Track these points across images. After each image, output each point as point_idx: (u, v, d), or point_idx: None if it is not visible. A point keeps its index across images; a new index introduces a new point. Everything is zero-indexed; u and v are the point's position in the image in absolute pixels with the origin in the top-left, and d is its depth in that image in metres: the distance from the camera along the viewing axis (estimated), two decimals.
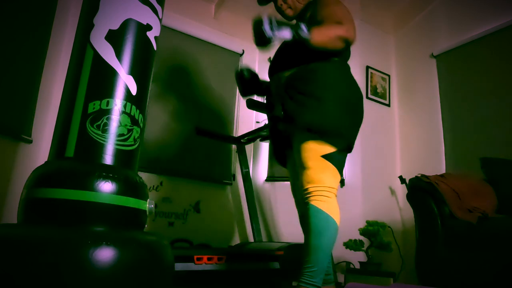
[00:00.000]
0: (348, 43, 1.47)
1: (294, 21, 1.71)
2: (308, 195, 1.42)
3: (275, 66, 1.67)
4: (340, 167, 1.46)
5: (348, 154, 3.21)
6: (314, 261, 1.35)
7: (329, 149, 1.42)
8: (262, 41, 1.40)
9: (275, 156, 1.77)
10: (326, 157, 1.41)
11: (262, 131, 2.74)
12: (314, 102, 1.43)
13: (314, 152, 1.42)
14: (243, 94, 1.84)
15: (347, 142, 1.48)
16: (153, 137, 2.95)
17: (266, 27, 1.37)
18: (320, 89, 1.46)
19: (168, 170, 2.98)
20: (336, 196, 1.45)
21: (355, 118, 1.53)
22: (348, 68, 1.61)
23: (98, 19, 1.31)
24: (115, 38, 1.31)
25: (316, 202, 1.39)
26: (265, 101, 1.82)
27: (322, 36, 1.42)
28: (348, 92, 1.52)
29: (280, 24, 1.40)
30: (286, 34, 1.39)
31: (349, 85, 1.54)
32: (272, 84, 1.68)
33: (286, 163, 1.75)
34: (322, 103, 1.43)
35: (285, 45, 1.67)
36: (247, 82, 1.78)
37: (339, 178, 1.46)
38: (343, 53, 1.56)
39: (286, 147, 1.67)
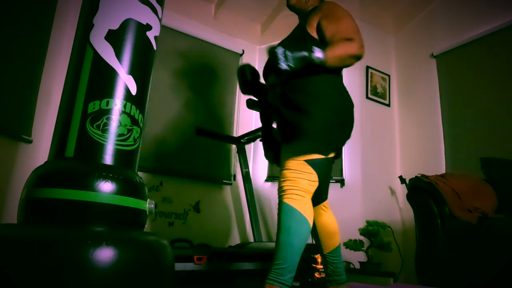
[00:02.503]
0: (359, 59, 1.49)
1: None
2: (282, 193, 1.42)
3: (268, 70, 1.68)
4: (321, 173, 1.45)
5: (348, 154, 3.21)
6: (284, 258, 1.33)
7: (315, 155, 1.43)
8: (279, 73, 1.45)
9: (266, 154, 1.78)
10: (310, 162, 1.42)
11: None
12: (303, 118, 1.45)
13: (299, 156, 1.44)
14: (244, 92, 1.86)
15: (334, 152, 1.50)
16: (153, 137, 2.95)
17: (281, 60, 1.40)
18: (310, 101, 1.47)
19: (168, 170, 2.98)
20: (310, 199, 1.44)
21: (344, 127, 1.54)
22: (339, 78, 1.62)
23: (98, 19, 1.31)
24: (115, 38, 1.31)
25: (289, 200, 1.39)
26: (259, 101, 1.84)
27: (337, 58, 1.44)
28: (337, 102, 1.52)
29: (299, 56, 1.42)
30: (304, 63, 1.42)
31: (338, 95, 1.55)
32: (269, 93, 1.69)
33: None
34: (311, 118, 1.44)
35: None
36: (248, 82, 1.80)
37: (316, 185, 1.45)
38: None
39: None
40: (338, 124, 1.49)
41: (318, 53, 1.41)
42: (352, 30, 1.49)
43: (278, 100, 1.58)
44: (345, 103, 1.56)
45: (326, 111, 1.46)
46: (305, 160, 1.42)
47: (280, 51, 1.41)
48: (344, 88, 1.60)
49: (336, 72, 1.58)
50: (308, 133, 1.43)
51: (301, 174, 1.41)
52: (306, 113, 1.45)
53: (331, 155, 1.49)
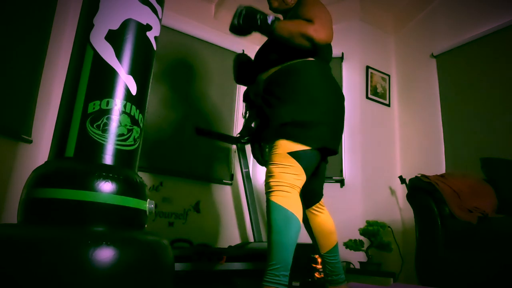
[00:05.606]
0: (314, 43, 1.43)
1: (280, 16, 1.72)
2: (268, 190, 1.40)
3: (255, 68, 1.68)
4: (307, 167, 1.43)
5: (348, 154, 3.20)
6: (277, 258, 1.32)
7: (298, 147, 1.40)
8: (232, 29, 1.53)
9: (253, 153, 1.77)
10: (293, 154, 1.39)
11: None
12: (287, 105, 1.43)
13: (282, 149, 1.41)
14: (236, 80, 1.87)
15: (321, 143, 1.44)
16: (153, 137, 2.95)
17: (236, 17, 1.49)
18: (294, 91, 1.46)
19: (168, 170, 2.98)
20: (298, 193, 1.42)
21: (331, 118, 1.49)
22: (326, 68, 1.59)
23: (98, 19, 1.31)
24: (115, 38, 1.31)
25: (276, 198, 1.37)
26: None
27: (286, 29, 1.45)
28: (323, 92, 1.49)
29: (250, 15, 1.47)
30: (252, 24, 1.47)
31: (324, 85, 1.52)
32: (251, 90, 1.68)
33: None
34: (294, 105, 1.43)
35: (263, 45, 1.68)
36: (242, 69, 1.81)
37: (303, 179, 1.43)
38: (320, 52, 1.53)
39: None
40: (321, 114, 1.45)
41: (270, 19, 1.45)
42: (316, 14, 1.46)
43: (259, 98, 1.56)
44: (333, 94, 1.53)
45: (311, 103, 1.43)
46: (289, 153, 1.39)
47: (239, 8, 1.48)
48: (331, 76, 1.58)
49: (323, 58, 1.55)
50: (282, 119, 1.42)
51: (286, 168, 1.39)
52: (282, 102, 1.44)
53: (315, 147, 1.43)
